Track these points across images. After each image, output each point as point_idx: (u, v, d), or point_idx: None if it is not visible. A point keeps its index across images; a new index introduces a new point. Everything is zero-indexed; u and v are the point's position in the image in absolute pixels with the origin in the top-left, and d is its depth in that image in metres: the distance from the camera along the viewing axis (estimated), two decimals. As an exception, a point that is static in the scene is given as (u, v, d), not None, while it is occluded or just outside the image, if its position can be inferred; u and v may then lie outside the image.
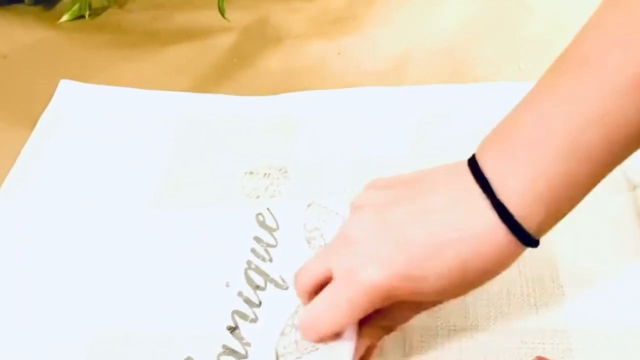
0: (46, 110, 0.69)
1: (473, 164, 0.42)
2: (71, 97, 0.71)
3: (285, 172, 0.61)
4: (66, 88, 0.71)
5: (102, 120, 0.68)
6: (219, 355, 0.50)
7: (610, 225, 0.54)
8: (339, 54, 0.75)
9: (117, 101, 0.70)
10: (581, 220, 0.54)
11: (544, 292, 0.51)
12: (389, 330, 0.47)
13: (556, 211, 0.41)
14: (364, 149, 0.62)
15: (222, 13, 0.75)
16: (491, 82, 0.67)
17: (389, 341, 0.49)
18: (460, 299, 0.50)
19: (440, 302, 0.46)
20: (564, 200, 0.41)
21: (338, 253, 0.44)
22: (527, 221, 0.40)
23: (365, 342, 0.45)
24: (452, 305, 0.50)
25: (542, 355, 0.47)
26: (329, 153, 0.62)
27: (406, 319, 0.46)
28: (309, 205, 0.58)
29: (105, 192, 0.62)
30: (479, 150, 0.42)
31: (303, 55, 0.75)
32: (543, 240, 0.53)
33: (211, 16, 0.76)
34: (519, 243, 0.41)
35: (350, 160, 0.61)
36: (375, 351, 0.47)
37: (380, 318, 0.45)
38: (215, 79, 0.73)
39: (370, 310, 0.43)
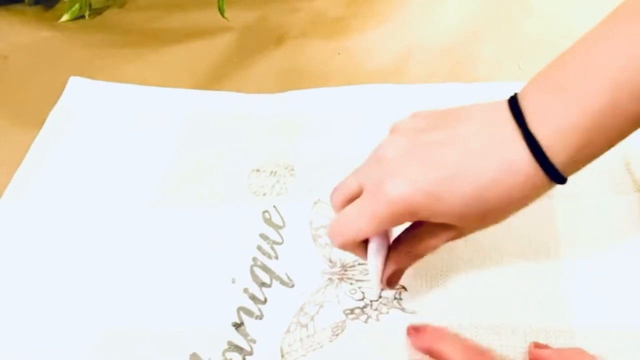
0: (56, 107, 0.69)
1: (512, 99, 0.43)
2: (81, 94, 0.71)
3: (292, 170, 0.61)
4: (76, 85, 0.72)
5: (111, 117, 0.69)
6: (224, 351, 0.50)
7: (616, 226, 0.54)
8: (339, 54, 0.75)
9: (126, 98, 0.70)
10: (587, 221, 0.54)
11: (549, 292, 0.51)
12: (415, 257, 0.48)
13: (588, 149, 0.41)
14: (369, 146, 0.62)
15: (222, 13, 0.75)
16: (491, 82, 0.67)
17: (394, 340, 0.49)
18: (462, 298, 0.51)
19: (462, 231, 0.46)
20: (598, 139, 0.41)
21: (369, 170, 0.46)
22: (557, 155, 0.40)
23: (392, 265, 0.48)
24: (456, 305, 0.51)
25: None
26: (335, 151, 0.62)
27: (432, 247, 0.47)
28: (315, 203, 0.58)
29: (112, 188, 0.62)
30: (521, 89, 0.43)
31: (303, 55, 0.75)
32: (548, 240, 0.53)
33: (211, 16, 0.76)
34: (545, 177, 0.41)
35: (356, 158, 0.61)
36: (402, 275, 0.50)
37: (408, 244, 0.48)
38: (215, 78, 0.73)
39: (392, 224, 0.46)
